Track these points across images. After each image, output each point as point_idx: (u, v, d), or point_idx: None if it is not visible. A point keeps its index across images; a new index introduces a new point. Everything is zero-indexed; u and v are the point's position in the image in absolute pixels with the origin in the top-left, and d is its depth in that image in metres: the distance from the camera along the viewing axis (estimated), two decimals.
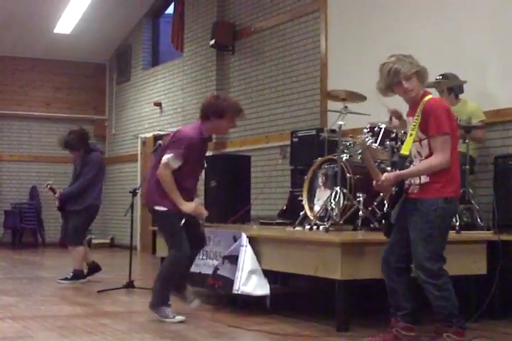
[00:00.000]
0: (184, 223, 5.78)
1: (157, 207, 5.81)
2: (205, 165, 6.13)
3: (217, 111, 5.78)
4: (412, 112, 4.74)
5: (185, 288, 6.08)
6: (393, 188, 4.75)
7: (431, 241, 4.57)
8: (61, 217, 9.17)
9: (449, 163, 4.58)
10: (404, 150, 4.70)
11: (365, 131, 6.79)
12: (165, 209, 5.77)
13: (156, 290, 5.84)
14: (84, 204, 8.63)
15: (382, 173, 4.80)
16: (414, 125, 4.64)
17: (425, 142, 4.64)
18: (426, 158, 4.65)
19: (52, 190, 8.84)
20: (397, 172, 4.73)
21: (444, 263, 4.63)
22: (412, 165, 4.78)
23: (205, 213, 5.95)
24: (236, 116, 5.87)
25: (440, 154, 4.55)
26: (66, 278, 8.54)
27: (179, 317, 5.74)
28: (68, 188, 8.81)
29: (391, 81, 4.70)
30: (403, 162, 4.77)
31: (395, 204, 4.75)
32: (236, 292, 6.09)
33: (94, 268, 8.83)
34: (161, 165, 5.71)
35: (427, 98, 4.67)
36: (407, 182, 4.73)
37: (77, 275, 8.59)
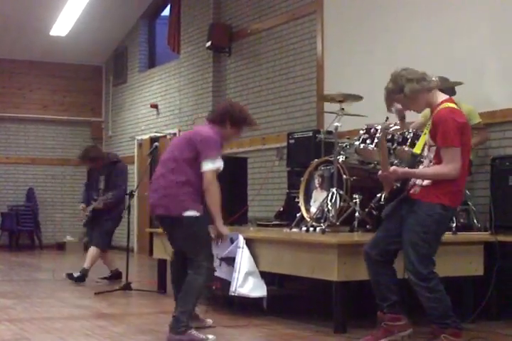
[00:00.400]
0: None
1: (188, 213, 5.09)
2: None
3: (234, 119, 5.37)
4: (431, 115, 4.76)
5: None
6: (396, 183, 4.75)
7: (423, 246, 4.58)
8: (86, 225, 9.11)
9: (459, 174, 4.55)
10: (417, 149, 4.74)
11: (362, 132, 6.80)
12: (198, 214, 5.12)
13: (184, 313, 5.03)
14: (117, 211, 8.78)
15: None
16: (427, 127, 4.66)
17: (433, 148, 4.65)
18: (432, 163, 4.65)
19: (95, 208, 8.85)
20: (406, 169, 4.74)
21: (434, 267, 4.64)
22: (421, 166, 4.79)
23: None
24: (246, 127, 5.57)
25: (450, 164, 4.52)
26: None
27: (211, 337, 5.13)
28: (108, 199, 8.71)
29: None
30: (414, 160, 4.79)
31: (394, 199, 4.75)
32: (233, 294, 6.09)
33: (116, 275, 8.85)
34: (209, 173, 5.13)
35: (440, 107, 4.62)
36: (411, 181, 4.73)
37: (85, 275, 8.65)
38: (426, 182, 4.64)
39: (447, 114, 4.56)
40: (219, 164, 5.21)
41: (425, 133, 4.67)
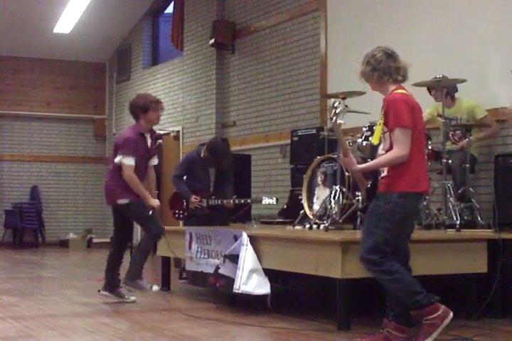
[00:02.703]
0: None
1: (120, 201, 6.64)
2: (156, 160, 6.85)
3: (141, 108, 6.60)
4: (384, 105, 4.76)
5: (118, 285, 6.87)
6: (368, 182, 4.77)
7: (375, 233, 4.53)
8: None
9: (408, 156, 4.51)
10: (375, 140, 4.75)
11: (365, 129, 6.79)
12: (128, 200, 6.59)
13: (135, 264, 6.60)
14: None
15: None
16: (382, 115, 4.65)
17: (387, 135, 4.62)
18: (386, 151, 4.62)
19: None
20: (363, 165, 4.78)
21: (385, 257, 4.52)
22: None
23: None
24: (157, 105, 6.69)
25: (399, 147, 4.48)
26: None
27: (156, 287, 7.44)
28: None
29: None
30: (374, 151, 4.78)
31: (372, 197, 4.74)
32: (237, 291, 6.09)
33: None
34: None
35: (392, 92, 4.64)
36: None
37: None
38: (384, 173, 4.62)
39: (397, 97, 4.58)
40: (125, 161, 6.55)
41: (379, 124, 4.65)
